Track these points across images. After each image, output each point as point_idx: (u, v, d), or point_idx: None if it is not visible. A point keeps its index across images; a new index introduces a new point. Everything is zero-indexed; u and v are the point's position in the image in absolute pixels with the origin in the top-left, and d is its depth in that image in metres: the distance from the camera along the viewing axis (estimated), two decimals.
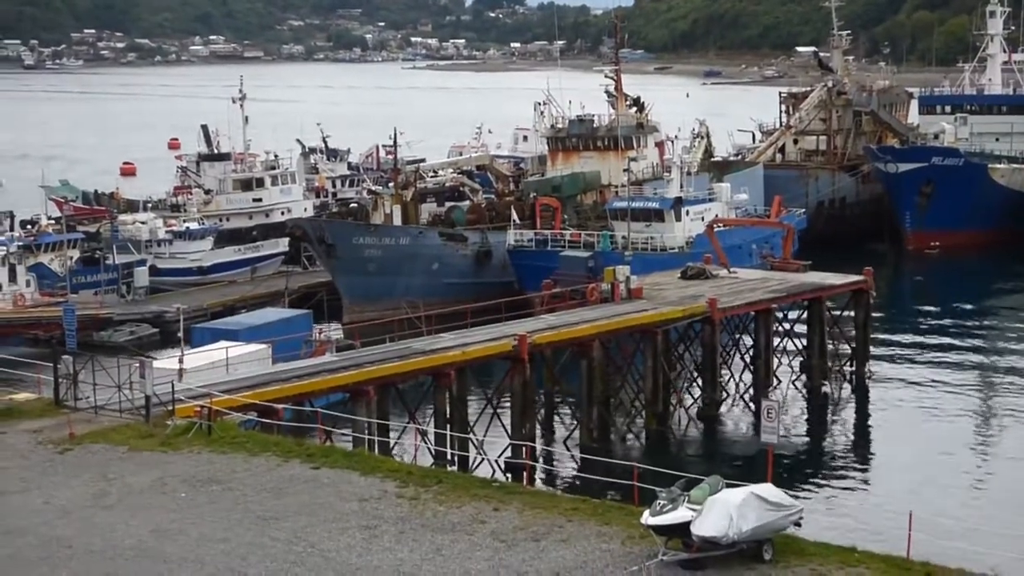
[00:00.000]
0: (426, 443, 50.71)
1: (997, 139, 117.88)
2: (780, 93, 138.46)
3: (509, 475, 49.88)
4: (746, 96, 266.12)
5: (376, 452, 44.37)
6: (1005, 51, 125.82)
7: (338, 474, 34.55)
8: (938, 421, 62.81)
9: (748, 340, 68.18)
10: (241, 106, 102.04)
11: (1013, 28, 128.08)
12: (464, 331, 57.83)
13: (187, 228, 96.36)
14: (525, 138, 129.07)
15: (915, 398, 66.94)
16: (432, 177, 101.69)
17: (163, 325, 79.47)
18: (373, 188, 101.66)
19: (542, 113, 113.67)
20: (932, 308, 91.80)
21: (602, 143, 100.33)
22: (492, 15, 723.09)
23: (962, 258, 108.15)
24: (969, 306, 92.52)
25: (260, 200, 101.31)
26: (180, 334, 54.43)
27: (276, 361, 52.63)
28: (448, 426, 52.09)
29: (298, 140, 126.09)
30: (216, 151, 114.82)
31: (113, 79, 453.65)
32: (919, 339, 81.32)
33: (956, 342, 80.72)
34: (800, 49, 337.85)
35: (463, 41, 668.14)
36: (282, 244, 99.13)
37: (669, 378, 62.21)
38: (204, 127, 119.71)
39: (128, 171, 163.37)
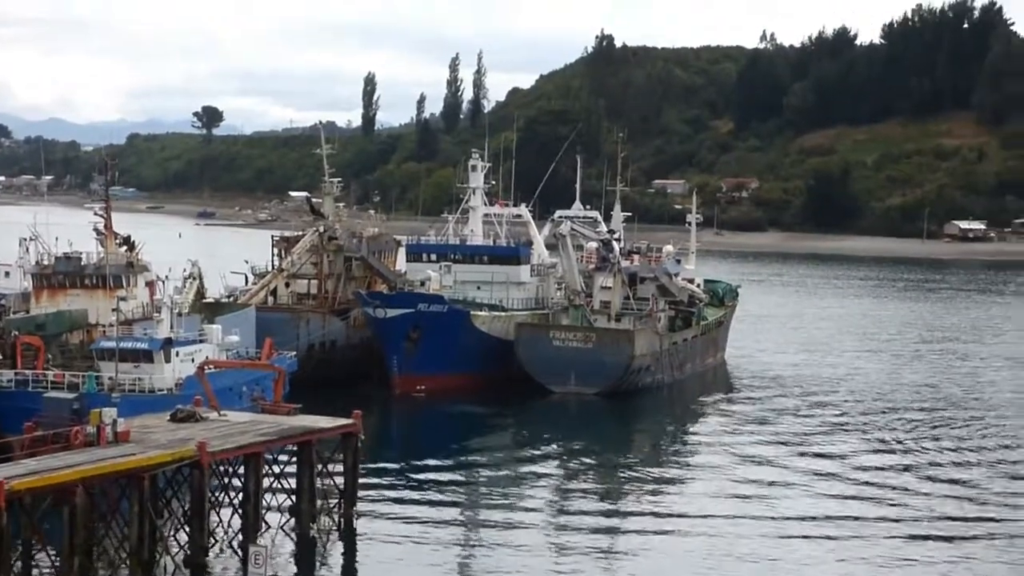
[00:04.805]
0: None
1: (479, 287, 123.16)
2: (273, 236, 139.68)
3: None
4: (240, 238, 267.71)
5: None
6: (485, 203, 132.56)
7: None
8: (426, 560, 64.38)
9: (238, 484, 67.71)
10: None
11: (493, 183, 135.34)
12: None
13: None
14: (7, 274, 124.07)
15: (403, 536, 68.45)
16: None
17: None
18: None
19: (27, 249, 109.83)
20: (418, 448, 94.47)
21: (90, 281, 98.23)
22: None
23: (447, 400, 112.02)
24: (454, 445, 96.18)
25: None
26: None
27: None
28: None
29: None
30: None
31: None
32: (406, 478, 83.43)
33: (439, 480, 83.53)
34: (293, 194, 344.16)
35: None
36: None
37: (156, 525, 60.75)
38: None
39: None
